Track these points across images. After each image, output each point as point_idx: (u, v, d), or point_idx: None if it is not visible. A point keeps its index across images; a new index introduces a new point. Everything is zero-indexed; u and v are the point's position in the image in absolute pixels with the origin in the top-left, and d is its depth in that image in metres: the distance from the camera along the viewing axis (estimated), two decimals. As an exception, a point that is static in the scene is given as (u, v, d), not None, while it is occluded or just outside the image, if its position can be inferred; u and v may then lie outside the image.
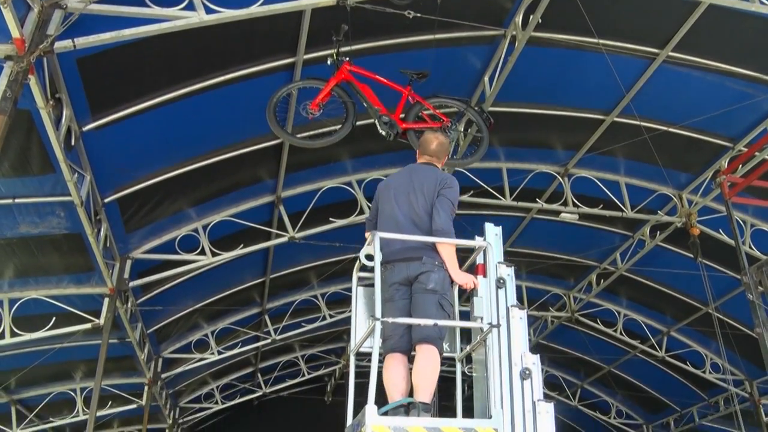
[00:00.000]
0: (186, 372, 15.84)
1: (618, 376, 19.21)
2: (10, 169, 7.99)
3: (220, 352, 15.31)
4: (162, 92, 8.23)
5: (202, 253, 11.20)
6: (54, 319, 10.74)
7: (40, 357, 11.77)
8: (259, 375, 19.09)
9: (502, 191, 11.96)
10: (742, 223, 11.99)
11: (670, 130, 10.55)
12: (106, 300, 10.62)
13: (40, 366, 12.13)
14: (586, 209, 12.18)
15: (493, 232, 4.82)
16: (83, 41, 6.50)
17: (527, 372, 4.33)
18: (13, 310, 10.36)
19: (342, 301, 15.85)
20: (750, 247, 11.87)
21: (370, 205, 11.58)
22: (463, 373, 4.88)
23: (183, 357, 15.22)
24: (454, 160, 9.35)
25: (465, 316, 4.77)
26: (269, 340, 15.82)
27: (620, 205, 12.11)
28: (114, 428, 17.60)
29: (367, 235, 5.04)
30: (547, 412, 4.27)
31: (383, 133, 7.21)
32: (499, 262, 4.64)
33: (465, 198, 11.90)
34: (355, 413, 4.40)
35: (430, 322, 4.29)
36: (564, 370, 20.34)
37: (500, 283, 4.56)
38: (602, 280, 15.03)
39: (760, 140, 10.17)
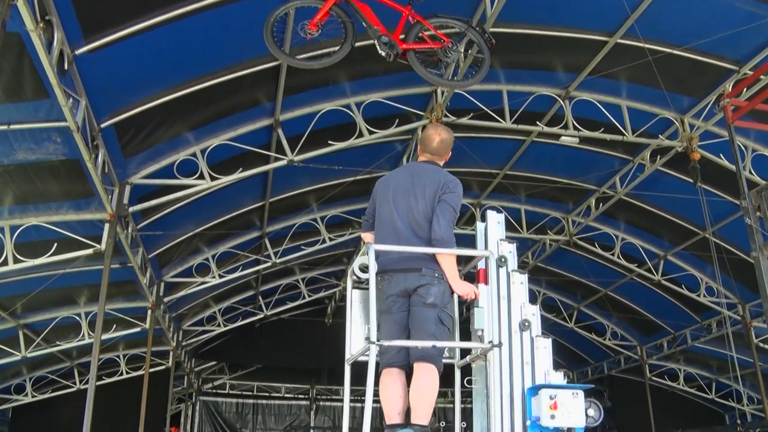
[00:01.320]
0: (188, 296, 16.07)
1: (614, 298, 19.53)
2: (2, 94, 7.86)
3: (221, 276, 15.49)
4: (156, 13, 8.00)
5: (201, 177, 11.16)
6: (55, 245, 10.78)
7: (44, 282, 11.92)
8: (260, 298, 19.38)
9: (502, 114, 11.81)
10: (743, 147, 11.89)
11: (675, 52, 10.33)
12: (107, 226, 10.63)
13: (45, 291, 12.30)
14: (586, 133, 12.07)
15: (495, 220, 4.68)
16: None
17: (526, 323, 4.37)
18: (14, 237, 10.41)
19: (342, 224, 15.95)
20: (750, 173, 11.81)
21: (369, 127, 11.55)
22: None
23: (184, 281, 15.41)
24: (454, 82, 9.22)
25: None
26: (269, 264, 15.98)
27: (621, 128, 12.00)
28: (119, 351, 18.00)
29: (362, 236, 4.83)
30: (545, 348, 4.37)
31: (383, 53, 7.05)
32: (500, 240, 4.56)
33: (464, 121, 11.81)
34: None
35: (428, 343, 4.10)
36: (561, 293, 20.65)
37: (501, 261, 4.49)
38: (601, 204, 15.05)
39: (766, 63, 10.00)
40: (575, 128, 11.97)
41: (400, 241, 4.34)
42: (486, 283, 4.36)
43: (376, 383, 4.12)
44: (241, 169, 11.52)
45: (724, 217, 13.79)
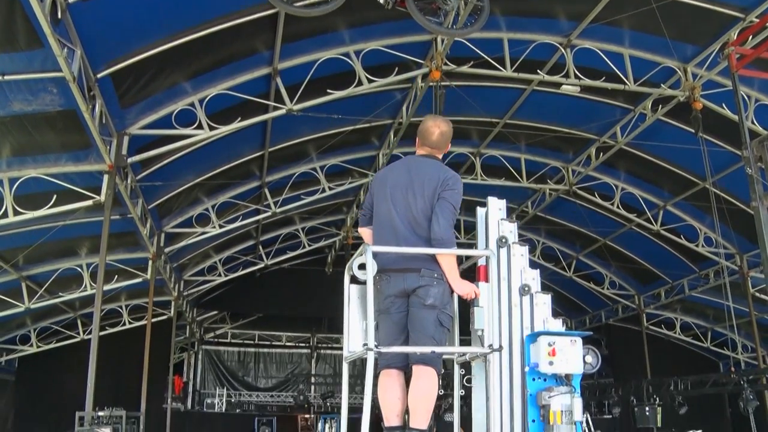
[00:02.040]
0: (188, 246, 16.13)
1: (613, 248, 19.61)
2: (-5, 44, 7.76)
3: (221, 226, 15.52)
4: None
5: (200, 127, 11.09)
6: (55, 197, 10.77)
7: (44, 234, 11.95)
8: (260, 247, 19.46)
9: (502, 62, 11.67)
10: (746, 97, 11.78)
11: (679, -1, 10.17)
12: (106, 177, 10.61)
13: (46, 243, 12.34)
14: (587, 81, 11.95)
15: (496, 206, 4.57)
16: None
17: (526, 288, 4.37)
18: (13, 189, 10.40)
19: (341, 173, 15.92)
20: (753, 123, 11.73)
21: (368, 76, 11.43)
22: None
23: (185, 231, 15.45)
24: (453, 30, 9.07)
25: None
26: (269, 213, 16.00)
27: (623, 77, 11.86)
28: (121, 301, 18.17)
29: (360, 230, 4.68)
30: (544, 303, 4.40)
31: (381, 1, 6.93)
32: (501, 219, 4.49)
33: (464, 69, 11.69)
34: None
35: (428, 349, 4.03)
36: (560, 242, 20.73)
37: (502, 242, 4.44)
38: (601, 154, 14.99)
39: (772, 10, 9.84)
40: (576, 77, 11.85)
41: (398, 240, 4.23)
42: (486, 280, 4.28)
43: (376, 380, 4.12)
44: (239, 118, 11.43)
45: (724, 168, 13.75)
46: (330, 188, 15.90)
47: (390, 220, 4.30)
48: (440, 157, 4.62)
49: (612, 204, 16.70)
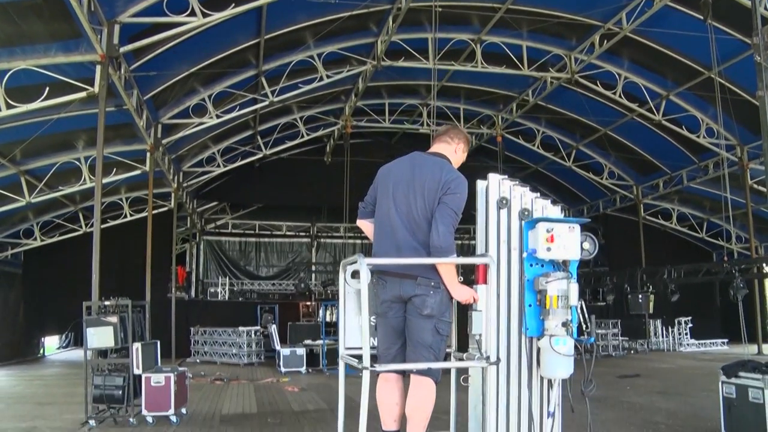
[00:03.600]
0: (186, 137, 16.02)
1: (613, 138, 19.53)
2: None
3: (218, 116, 15.37)
4: None
5: (192, 14, 10.75)
6: (48, 89, 10.56)
7: (40, 128, 11.81)
8: (258, 138, 19.36)
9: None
10: (760, -19, 11.34)
11: None
12: (98, 67, 10.38)
13: (42, 137, 12.23)
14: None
15: (496, 178, 4.31)
16: None
17: (504, 201, 4.28)
18: (4, 82, 10.18)
19: (339, 61, 15.60)
20: (765, 8, 11.34)
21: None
22: None
23: (182, 122, 15.30)
24: None
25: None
26: (267, 102, 15.82)
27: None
28: (122, 194, 18.23)
29: (359, 223, 4.44)
30: (545, 208, 4.35)
31: None
32: (502, 179, 4.30)
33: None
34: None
35: (425, 365, 3.91)
36: (560, 132, 20.59)
37: (503, 203, 4.28)
38: (605, 41, 14.60)
39: None
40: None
41: (396, 242, 4.08)
42: (485, 282, 4.14)
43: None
44: (233, 4, 11.05)
45: (731, 57, 13.44)
46: (328, 76, 15.63)
47: (389, 219, 4.15)
48: (449, 155, 4.34)
49: (614, 93, 16.46)
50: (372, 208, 4.32)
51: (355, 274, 4.02)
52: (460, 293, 4.05)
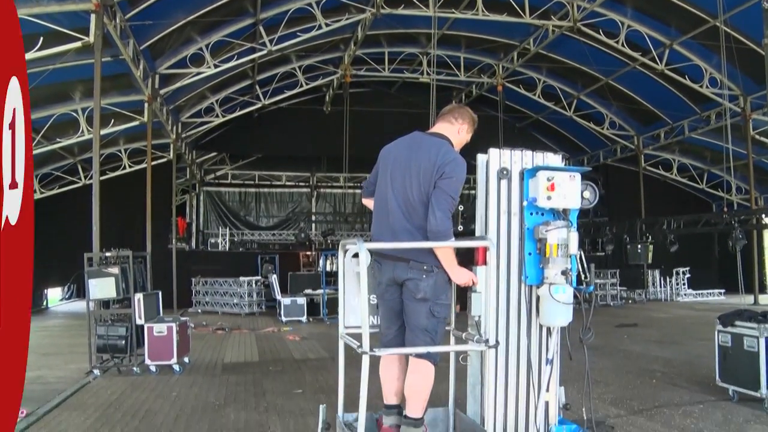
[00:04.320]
0: (184, 87, 15.89)
1: (615, 88, 19.35)
2: None
3: (216, 66, 15.20)
4: None
5: (188, -40, 10.55)
6: (42, 39, 10.40)
7: (35, 79, 11.65)
8: (257, 87, 19.19)
9: None
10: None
11: None
12: (93, 16, 10.21)
13: (38, 88, 12.06)
14: None
15: (496, 152, 4.27)
16: None
17: (504, 172, 4.25)
18: (-5, 30, 10.01)
19: (338, 8, 15.37)
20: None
21: None
22: None
23: (179, 72, 15.15)
24: None
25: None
26: (265, 52, 15.63)
27: None
28: (120, 145, 18.14)
29: (364, 202, 4.41)
30: (546, 157, 4.32)
31: None
32: (502, 150, 4.25)
33: None
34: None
35: (423, 350, 3.89)
36: (561, 81, 20.38)
37: (503, 173, 4.23)
38: (610, -13, 14.35)
39: None
40: None
41: (391, 225, 4.03)
42: (485, 263, 4.08)
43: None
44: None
45: (738, 4, 13.18)
46: (327, 24, 15.41)
47: (386, 201, 4.09)
48: (450, 135, 4.18)
49: (617, 42, 16.24)
50: (374, 188, 4.27)
51: (357, 255, 3.95)
52: (459, 276, 4.00)
